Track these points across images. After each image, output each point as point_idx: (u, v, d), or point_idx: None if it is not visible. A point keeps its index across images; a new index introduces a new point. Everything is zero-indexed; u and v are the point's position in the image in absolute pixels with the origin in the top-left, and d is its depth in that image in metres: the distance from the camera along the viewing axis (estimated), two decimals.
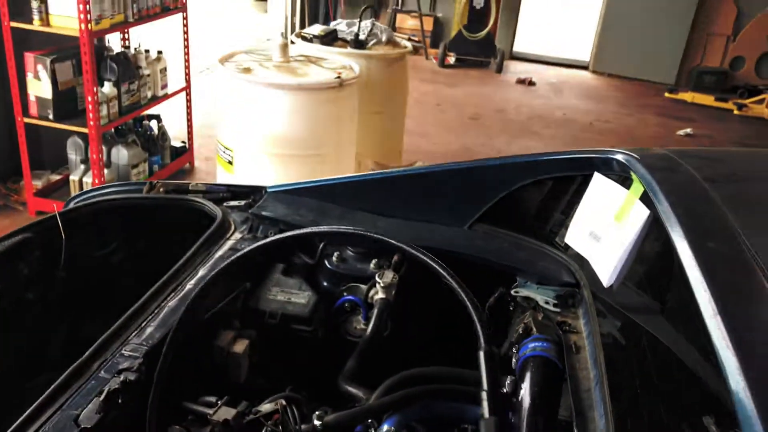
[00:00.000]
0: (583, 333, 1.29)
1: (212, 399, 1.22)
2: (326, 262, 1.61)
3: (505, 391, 1.24)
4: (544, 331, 1.41)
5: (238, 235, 1.62)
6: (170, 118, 4.64)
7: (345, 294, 1.55)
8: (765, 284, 0.76)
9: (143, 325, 1.27)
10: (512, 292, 1.45)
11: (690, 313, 1.04)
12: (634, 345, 1.22)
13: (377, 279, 1.51)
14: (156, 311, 1.31)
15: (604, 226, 1.27)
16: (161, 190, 1.74)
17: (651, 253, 1.25)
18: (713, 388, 0.86)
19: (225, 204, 1.73)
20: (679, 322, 1.10)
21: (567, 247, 1.43)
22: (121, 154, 3.72)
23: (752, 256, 0.80)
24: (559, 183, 1.46)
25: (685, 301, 1.07)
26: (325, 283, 1.62)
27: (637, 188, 1.18)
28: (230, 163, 3.07)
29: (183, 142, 4.55)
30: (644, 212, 1.15)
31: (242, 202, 1.75)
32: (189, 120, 4.43)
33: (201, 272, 1.46)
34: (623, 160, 1.21)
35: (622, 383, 1.15)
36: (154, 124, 4.14)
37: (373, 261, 1.58)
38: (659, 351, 1.15)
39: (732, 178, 1.12)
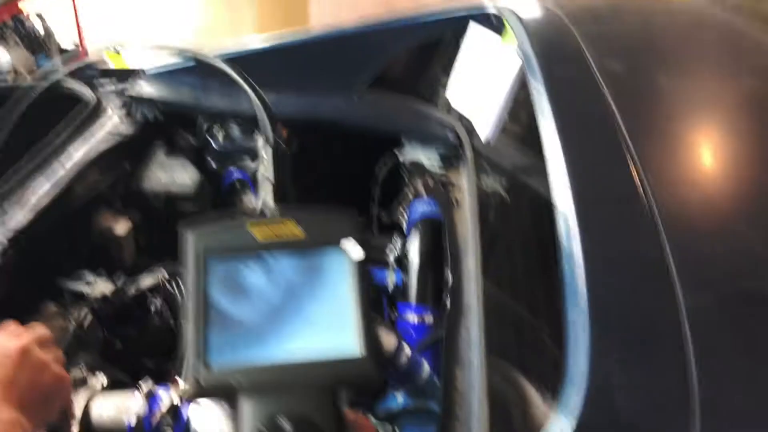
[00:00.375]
0: (465, 189, 1.31)
1: (90, 277, 1.19)
2: (212, 142, 1.56)
3: (396, 255, 1.28)
4: (432, 193, 1.43)
5: (115, 119, 1.53)
6: (60, 18, 4.29)
7: (233, 172, 1.52)
8: (605, 101, 0.77)
9: (8, 209, 1.20)
10: (399, 156, 1.45)
11: None
12: (512, 196, 1.26)
13: (263, 154, 1.47)
14: (24, 195, 1.24)
15: (481, 81, 1.27)
16: (28, 76, 1.62)
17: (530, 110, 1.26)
18: None
19: (100, 87, 1.63)
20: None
21: (450, 107, 1.42)
22: (2, 57, 3.43)
23: (598, 78, 0.80)
24: (441, 42, 1.44)
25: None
26: (212, 164, 1.57)
27: (510, 36, 1.17)
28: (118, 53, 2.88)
29: (75, 44, 4.23)
30: (516, 61, 1.15)
31: (119, 85, 1.65)
32: (76, 17, 4.10)
33: (75, 155, 1.38)
34: (495, 12, 1.19)
35: (495, 230, 1.18)
36: (38, 23, 3.81)
37: (260, 137, 1.53)
38: (533, 199, 1.18)
39: (599, 18, 1.13)
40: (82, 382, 0.94)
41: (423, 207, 1.39)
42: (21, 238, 1.14)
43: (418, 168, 1.45)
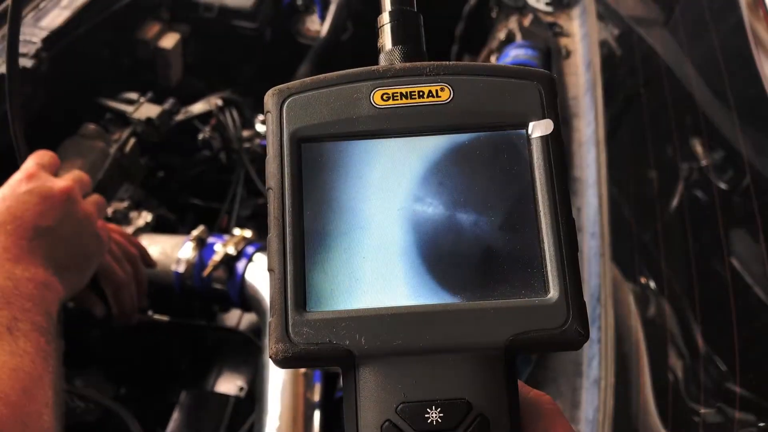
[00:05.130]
0: (577, 36, 1.09)
1: (134, 96, 1.03)
2: None
3: None
4: (530, 37, 1.21)
5: None
6: None
7: None
8: None
9: (42, 5, 1.03)
10: None
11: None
12: (634, 55, 1.04)
13: None
14: None
15: None
16: None
17: None
18: (712, 120, 0.70)
19: None
20: (683, 34, 0.90)
21: None
22: None
23: None
24: None
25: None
26: None
27: None
28: None
29: None
30: None
31: None
32: None
33: None
34: None
35: (614, 92, 0.98)
36: None
37: None
38: (657, 66, 0.96)
39: None
40: (123, 217, 0.82)
41: (518, 52, 1.18)
42: (56, 40, 0.98)
43: (518, 4, 1.21)
